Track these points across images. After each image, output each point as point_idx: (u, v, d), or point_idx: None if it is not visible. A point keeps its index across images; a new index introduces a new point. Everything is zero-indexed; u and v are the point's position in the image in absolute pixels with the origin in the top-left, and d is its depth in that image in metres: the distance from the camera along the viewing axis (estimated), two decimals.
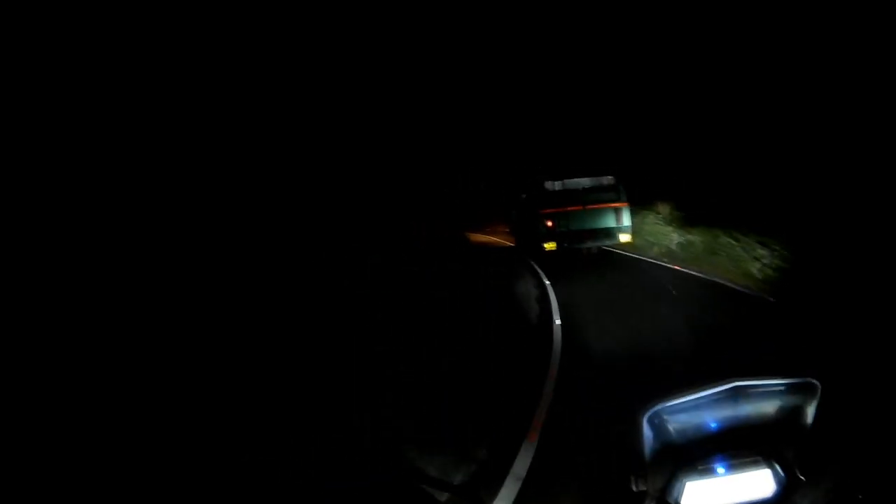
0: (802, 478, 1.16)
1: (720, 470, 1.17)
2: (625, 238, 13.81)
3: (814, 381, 1.12)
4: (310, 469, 4.13)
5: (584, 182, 14.16)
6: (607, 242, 14.14)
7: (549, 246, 13.85)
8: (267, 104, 13.23)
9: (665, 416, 1.12)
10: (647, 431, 1.11)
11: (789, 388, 1.13)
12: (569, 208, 13.80)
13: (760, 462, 1.16)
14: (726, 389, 1.11)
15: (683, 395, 1.12)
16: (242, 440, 4.75)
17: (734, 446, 1.16)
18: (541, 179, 14.53)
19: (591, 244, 14.09)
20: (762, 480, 1.19)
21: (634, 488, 1.18)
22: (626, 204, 13.88)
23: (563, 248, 13.94)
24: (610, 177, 14.07)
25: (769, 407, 1.15)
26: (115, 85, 9.02)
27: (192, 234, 9.78)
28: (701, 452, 1.15)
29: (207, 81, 11.13)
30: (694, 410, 1.13)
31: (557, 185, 14.20)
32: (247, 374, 6.97)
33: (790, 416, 1.14)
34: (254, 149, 12.33)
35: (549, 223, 13.85)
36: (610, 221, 13.78)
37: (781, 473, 1.17)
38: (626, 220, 13.81)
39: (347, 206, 15.06)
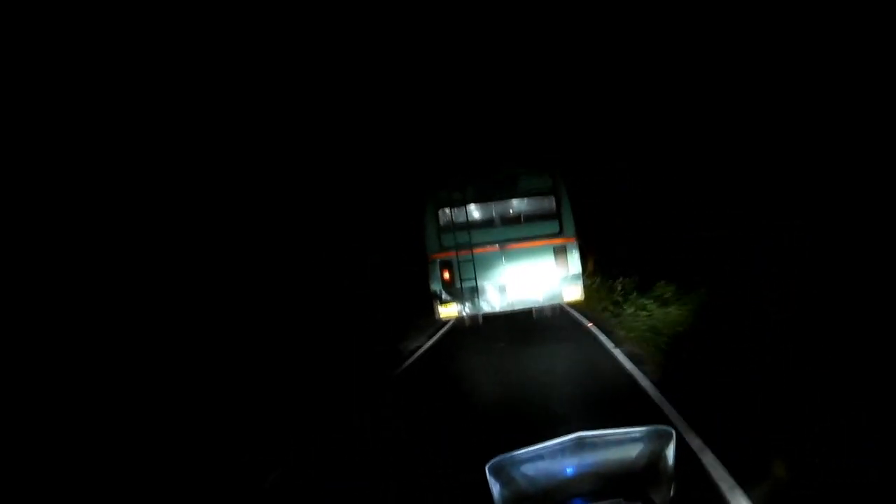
0: None
1: None
2: (571, 295, 8.66)
3: (667, 427, 1.08)
4: (310, 469, 4.14)
5: (506, 205, 9.06)
6: (543, 302, 8.73)
7: (446, 312, 8.73)
8: (268, 106, 13.23)
9: (510, 467, 1.07)
10: (492, 483, 1.06)
11: (642, 437, 1.10)
12: (477, 250, 8.57)
13: None
14: (570, 440, 1.06)
15: (527, 449, 1.08)
16: (242, 440, 4.76)
17: (593, 491, 1.09)
18: (432, 198, 9.03)
19: (515, 306, 8.74)
20: None
21: None
22: (573, 238, 8.68)
23: (469, 317, 8.89)
24: (548, 195, 8.89)
25: (626, 453, 1.11)
26: (115, 86, 9.03)
27: (193, 235, 9.78)
28: (555, 499, 1.08)
29: (208, 82, 11.14)
30: (541, 460, 1.08)
31: (459, 212, 8.73)
32: (247, 374, 6.98)
33: (650, 461, 1.10)
34: (255, 150, 12.34)
35: (446, 274, 8.71)
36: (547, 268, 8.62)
37: None
38: (574, 264, 8.62)
39: (347, 207, 15.02)
